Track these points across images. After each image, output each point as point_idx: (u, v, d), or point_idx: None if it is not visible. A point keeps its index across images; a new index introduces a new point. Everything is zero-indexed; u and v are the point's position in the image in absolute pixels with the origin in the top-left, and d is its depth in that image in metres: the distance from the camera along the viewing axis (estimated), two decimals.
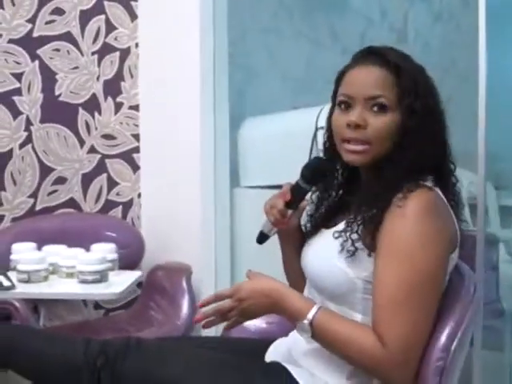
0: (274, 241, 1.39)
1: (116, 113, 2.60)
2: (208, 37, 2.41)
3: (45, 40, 2.50)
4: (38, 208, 2.51)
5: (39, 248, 2.07)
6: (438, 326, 1.18)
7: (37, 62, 2.49)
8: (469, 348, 1.27)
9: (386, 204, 1.18)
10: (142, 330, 2.20)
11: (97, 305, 2.56)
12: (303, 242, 1.36)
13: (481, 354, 1.98)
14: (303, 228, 1.39)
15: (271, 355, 1.35)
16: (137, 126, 2.62)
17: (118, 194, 2.63)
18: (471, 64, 1.99)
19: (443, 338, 1.17)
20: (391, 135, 1.21)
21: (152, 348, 1.35)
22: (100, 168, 2.60)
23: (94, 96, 2.57)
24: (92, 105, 2.57)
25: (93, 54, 2.56)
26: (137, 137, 2.63)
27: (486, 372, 2.03)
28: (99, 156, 2.60)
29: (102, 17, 2.56)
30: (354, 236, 1.19)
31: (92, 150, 2.59)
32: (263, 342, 1.39)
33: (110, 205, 2.61)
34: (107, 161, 2.61)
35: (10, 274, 1.93)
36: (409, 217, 1.15)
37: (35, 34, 2.48)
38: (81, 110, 2.56)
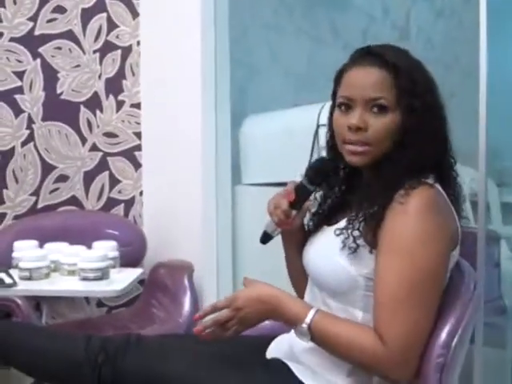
0: (276, 238, 1.39)
1: (118, 111, 2.61)
2: (209, 34, 2.41)
3: (46, 38, 2.50)
4: (39, 206, 2.52)
5: (41, 246, 2.07)
6: (439, 323, 1.18)
7: (38, 61, 2.49)
8: (470, 345, 1.27)
9: (388, 201, 1.18)
10: (144, 327, 2.21)
11: (99, 302, 2.57)
12: (306, 242, 1.36)
13: (482, 351, 1.98)
14: (306, 227, 1.39)
15: (272, 352, 1.36)
16: (138, 123, 2.62)
17: (119, 192, 2.63)
18: (474, 60, 1.98)
19: (444, 334, 1.17)
20: (391, 135, 1.21)
21: (153, 344, 1.36)
22: (102, 166, 2.60)
23: (95, 94, 2.57)
24: (94, 103, 2.57)
25: (94, 52, 2.57)
26: (138, 135, 2.63)
27: (488, 369, 2.03)
28: (101, 154, 2.60)
29: (104, 15, 2.56)
30: (356, 233, 1.19)
31: (94, 147, 2.59)
32: (264, 338, 1.39)
33: (111, 203, 2.62)
34: (109, 159, 2.61)
35: (11, 271, 1.93)
36: (410, 214, 1.15)
37: (37, 33, 2.49)
38: (82, 108, 2.57)
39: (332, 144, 1.32)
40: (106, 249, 2.01)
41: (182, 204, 2.50)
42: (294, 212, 1.32)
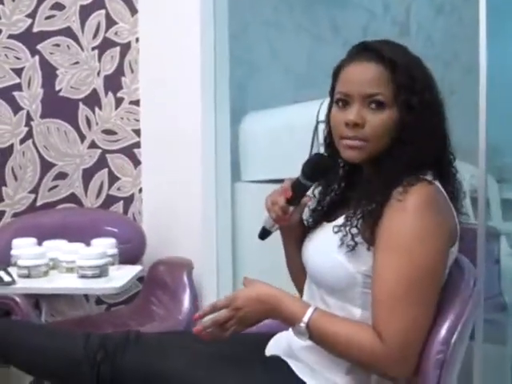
0: (275, 234, 1.39)
1: (116, 108, 2.60)
2: (209, 31, 2.40)
3: (45, 35, 2.49)
4: (38, 203, 2.51)
5: (40, 243, 2.07)
6: (438, 320, 1.17)
7: (37, 58, 2.49)
8: (470, 342, 1.26)
9: (386, 198, 1.17)
10: (144, 324, 2.20)
11: (98, 300, 2.57)
12: (305, 237, 1.36)
13: (482, 348, 1.98)
14: (305, 223, 1.39)
15: (271, 349, 1.35)
16: (137, 121, 2.62)
17: (118, 189, 2.63)
18: (474, 57, 1.98)
19: (443, 331, 1.17)
20: (389, 131, 1.21)
21: (152, 342, 1.36)
22: (101, 163, 2.60)
23: (94, 91, 2.57)
24: (92, 100, 2.56)
25: (93, 49, 2.56)
26: (137, 132, 2.62)
27: (488, 365, 2.03)
28: (100, 151, 2.60)
29: (102, 11, 2.56)
30: (354, 230, 1.19)
31: (93, 145, 2.59)
32: (264, 335, 1.39)
33: (111, 200, 2.61)
34: (108, 156, 2.60)
35: (10, 269, 1.92)
36: (409, 211, 1.14)
37: (35, 30, 2.48)
38: (81, 105, 2.56)
39: (330, 140, 1.32)
40: (104, 246, 2.01)
41: (181, 201, 2.50)
42: (291, 208, 1.32)
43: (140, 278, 2.33)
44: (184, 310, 2.24)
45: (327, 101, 1.33)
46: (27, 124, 2.49)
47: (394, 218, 1.15)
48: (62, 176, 2.55)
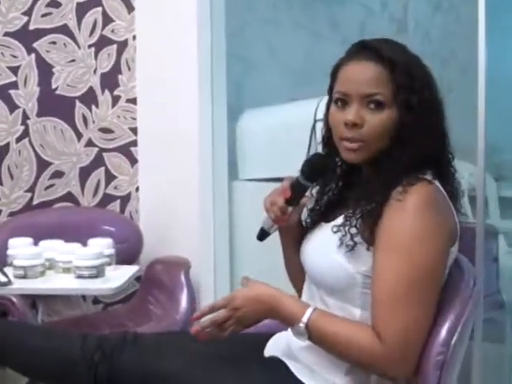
0: (273, 234, 1.38)
1: (113, 106, 2.59)
2: (206, 28, 2.39)
3: (41, 33, 2.48)
4: (35, 202, 2.50)
5: (36, 243, 2.05)
6: (438, 320, 1.17)
7: (33, 55, 2.47)
8: (469, 341, 1.26)
9: (385, 198, 1.17)
10: (141, 324, 2.20)
11: (95, 299, 2.55)
12: (303, 238, 1.35)
13: (481, 347, 1.97)
14: (304, 223, 1.38)
15: (270, 350, 1.35)
16: (134, 119, 2.61)
17: (115, 188, 2.62)
18: (471, 55, 1.97)
19: (443, 332, 1.16)
20: (388, 131, 1.20)
21: (149, 342, 1.35)
22: (97, 162, 2.58)
23: (91, 89, 2.55)
24: (89, 98, 2.55)
25: (90, 46, 2.54)
26: (134, 130, 2.61)
27: (487, 364, 2.03)
28: (97, 149, 2.58)
29: (99, 9, 2.54)
30: (353, 230, 1.18)
31: (89, 143, 2.57)
32: (262, 336, 1.38)
33: (107, 199, 2.60)
34: (105, 154, 2.59)
35: (6, 269, 1.91)
36: (408, 211, 1.14)
37: (31, 27, 2.46)
38: (78, 104, 2.55)
39: (328, 139, 1.31)
40: (101, 246, 1.99)
41: (178, 200, 2.49)
42: (290, 208, 1.31)
43: (137, 277, 2.32)
44: (181, 309, 2.23)
45: (325, 99, 1.33)
46: (23, 122, 2.47)
47: (394, 218, 1.15)
48: (58, 175, 2.54)
